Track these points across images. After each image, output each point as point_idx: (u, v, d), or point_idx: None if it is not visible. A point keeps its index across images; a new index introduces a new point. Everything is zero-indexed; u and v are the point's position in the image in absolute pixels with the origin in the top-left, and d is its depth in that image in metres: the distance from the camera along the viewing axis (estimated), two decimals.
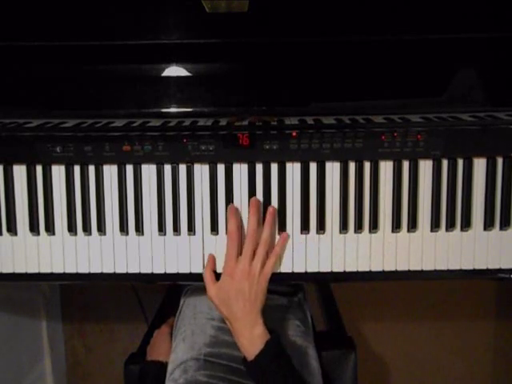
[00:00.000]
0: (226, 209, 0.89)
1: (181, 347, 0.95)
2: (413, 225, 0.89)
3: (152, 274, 0.90)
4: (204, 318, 0.99)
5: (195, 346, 0.94)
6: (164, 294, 1.42)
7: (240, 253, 0.85)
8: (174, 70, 0.78)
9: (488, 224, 0.90)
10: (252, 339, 0.81)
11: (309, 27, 0.77)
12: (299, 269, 0.90)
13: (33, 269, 0.90)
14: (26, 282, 0.92)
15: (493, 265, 0.90)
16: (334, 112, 0.81)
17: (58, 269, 0.90)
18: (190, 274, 0.90)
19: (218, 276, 0.86)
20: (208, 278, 0.86)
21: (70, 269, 0.90)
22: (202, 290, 1.04)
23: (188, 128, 0.84)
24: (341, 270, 0.90)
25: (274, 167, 0.89)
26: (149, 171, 0.89)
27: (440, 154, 0.88)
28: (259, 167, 0.89)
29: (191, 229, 0.89)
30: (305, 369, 0.93)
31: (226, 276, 0.84)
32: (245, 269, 0.83)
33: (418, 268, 0.90)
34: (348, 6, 0.77)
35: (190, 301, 1.04)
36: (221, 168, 0.89)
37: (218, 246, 0.90)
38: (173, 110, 0.78)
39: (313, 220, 0.89)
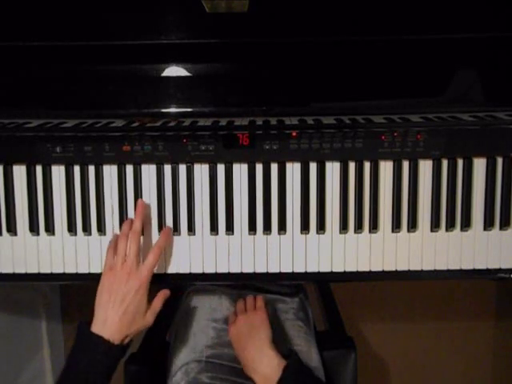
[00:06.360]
0: (226, 209, 0.89)
1: (182, 349, 0.95)
2: (413, 225, 0.89)
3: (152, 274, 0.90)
4: (205, 320, 0.98)
5: (197, 348, 0.93)
6: None
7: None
8: (174, 70, 0.78)
9: (488, 224, 0.90)
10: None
11: (309, 27, 0.77)
12: (299, 269, 0.90)
13: (33, 269, 0.90)
14: (26, 282, 0.92)
15: (493, 265, 0.90)
16: (334, 112, 0.81)
17: (57, 269, 0.90)
18: (190, 274, 0.90)
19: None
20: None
21: (70, 269, 0.90)
22: (203, 292, 1.04)
23: (188, 128, 0.84)
24: (341, 270, 0.90)
25: (274, 167, 0.89)
26: (149, 171, 0.89)
27: (440, 153, 0.88)
28: (259, 167, 0.89)
29: (191, 229, 0.89)
30: None
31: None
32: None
33: (418, 268, 0.90)
34: (348, 6, 0.77)
35: (191, 302, 1.03)
36: (221, 168, 0.89)
37: (218, 245, 0.90)
38: (173, 110, 0.78)
39: (313, 220, 0.89)
